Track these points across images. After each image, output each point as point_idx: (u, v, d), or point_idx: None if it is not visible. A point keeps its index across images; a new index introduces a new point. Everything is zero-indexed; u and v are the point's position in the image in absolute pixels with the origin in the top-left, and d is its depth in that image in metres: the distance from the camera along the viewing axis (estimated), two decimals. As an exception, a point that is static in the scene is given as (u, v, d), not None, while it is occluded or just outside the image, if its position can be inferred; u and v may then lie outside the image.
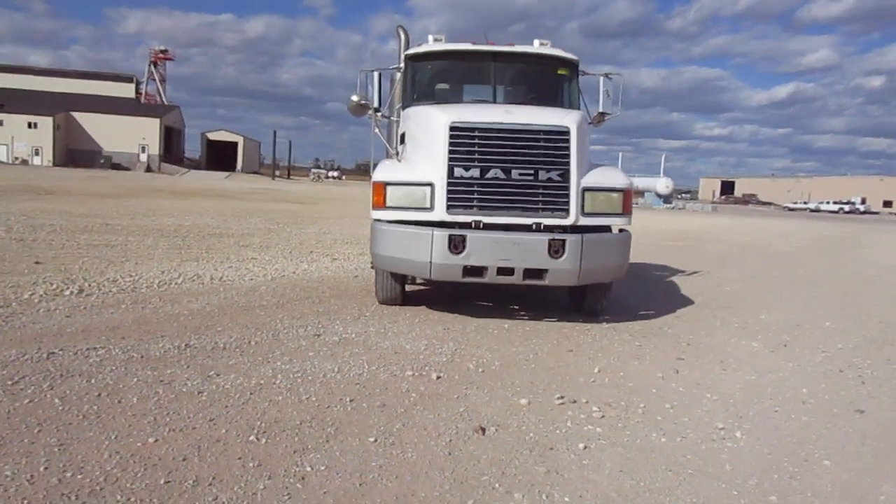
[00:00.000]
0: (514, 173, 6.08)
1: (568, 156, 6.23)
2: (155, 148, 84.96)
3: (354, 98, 7.12)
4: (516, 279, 6.29)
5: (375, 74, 7.49)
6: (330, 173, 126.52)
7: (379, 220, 6.50)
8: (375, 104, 7.43)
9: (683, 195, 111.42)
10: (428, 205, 6.13)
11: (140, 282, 8.26)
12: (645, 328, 7.09)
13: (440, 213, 6.17)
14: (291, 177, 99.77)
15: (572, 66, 8.08)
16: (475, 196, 6.13)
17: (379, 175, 6.31)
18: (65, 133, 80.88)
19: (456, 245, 6.13)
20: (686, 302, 9.13)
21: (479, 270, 6.26)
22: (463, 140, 5.90)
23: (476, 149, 5.92)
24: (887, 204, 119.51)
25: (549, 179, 6.20)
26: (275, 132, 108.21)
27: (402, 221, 6.34)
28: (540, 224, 6.29)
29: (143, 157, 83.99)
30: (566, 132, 6.23)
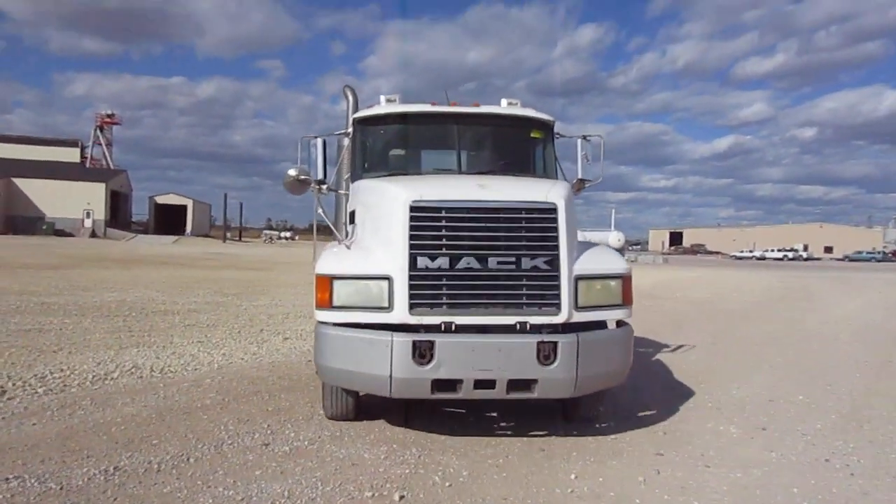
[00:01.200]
0: (492, 262, 5.01)
1: (556, 238, 5.16)
2: (100, 213, 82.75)
3: (292, 172, 5.98)
4: (498, 393, 5.09)
5: (318, 142, 6.54)
6: (282, 234, 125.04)
7: (324, 323, 5.26)
8: (319, 175, 6.42)
9: (634, 246, 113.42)
10: (385, 303, 5.01)
11: (71, 378, 7.56)
12: (616, 413, 6.71)
13: (401, 313, 5.01)
14: (243, 239, 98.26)
15: (547, 127, 7.16)
16: (444, 292, 5.01)
17: (323, 266, 5.17)
18: (5, 199, 78.26)
19: (422, 354, 4.93)
20: (653, 377, 8.81)
21: (451, 385, 5.06)
22: (427, 222, 4.92)
23: (444, 233, 4.93)
24: (828, 250, 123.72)
25: (535, 268, 5.11)
26: (225, 194, 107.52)
27: (354, 325, 5.16)
28: (525, 323, 5.11)
29: (88, 223, 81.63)
30: (553, 209, 5.19)
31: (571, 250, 5.27)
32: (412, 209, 4.91)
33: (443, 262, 4.95)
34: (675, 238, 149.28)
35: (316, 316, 5.31)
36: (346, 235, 6.40)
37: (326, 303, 5.15)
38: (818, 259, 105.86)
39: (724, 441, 6.01)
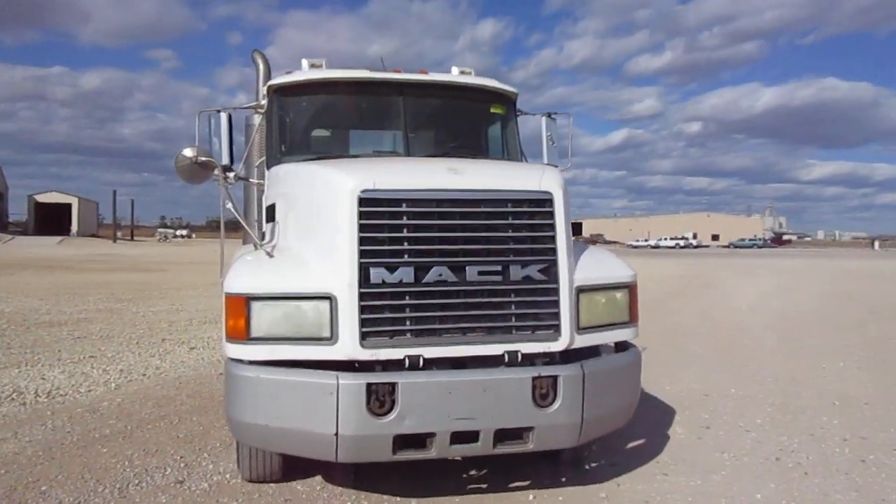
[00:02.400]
0: (471, 272, 3.79)
1: (553, 238, 3.97)
2: (-30, 213, 76.08)
3: (188, 153, 4.58)
4: (482, 448, 3.87)
5: (223, 117, 5.20)
6: (178, 233, 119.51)
7: (238, 362, 3.84)
8: (225, 159, 5.06)
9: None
10: (326, 333, 3.70)
11: (-64, 410, 6.48)
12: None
13: (349, 346, 3.69)
14: (135, 238, 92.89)
15: (509, 102, 5.96)
16: (408, 314, 3.76)
17: (236, 282, 3.80)
18: None
19: (380, 401, 3.66)
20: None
21: (420, 441, 3.80)
22: (383, 220, 3.72)
23: (406, 234, 3.74)
24: (715, 237, 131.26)
25: (527, 279, 3.90)
26: (114, 191, 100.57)
27: (282, 363, 3.78)
28: (516, 353, 3.91)
29: (-43, 224, 74.86)
30: (548, 200, 3.99)
31: (570, 254, 4.08)
32: (362, 202, 3.69)
33: (405, 273, 3.72)
34: (575, 229, 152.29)
35: (225, 351, 3.91)
36: (263, 238, 5.08)
37: (241, 333, 3.75)
38: (707, 246, 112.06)
39: (674, 443, 5.80)
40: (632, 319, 4.45)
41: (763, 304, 18.28)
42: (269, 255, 4.09)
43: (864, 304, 18.19)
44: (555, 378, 3.91)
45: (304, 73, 5.50)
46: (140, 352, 9.89)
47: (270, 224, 4.90)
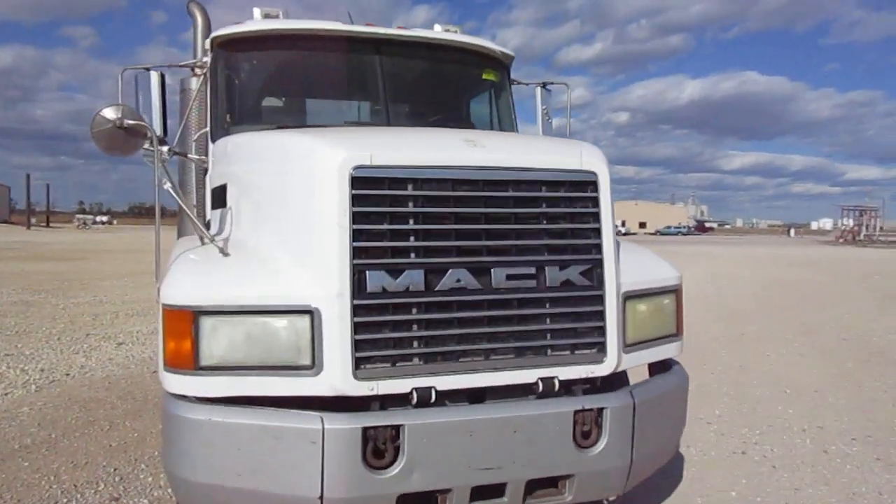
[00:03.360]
0: (498, 275, 2.94)
1: (598, 231, 3.13)
2: None
3: (109, 114, 3.36)
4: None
5: (154, 77, 4.36)
6: (98, 219, 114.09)
7: (181, 400, 2.87)
8: (158, 129, 4.19)
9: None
10: (306, 360, 2.79)
11: None
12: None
13: (338, 377, 2.77)
14: (51, 225, 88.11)
15: (503, 67, 5.15)
16: (417, 333, 2.86)
17: (178, 289, 2.88)
18: None
19: (379, 451, 2.80)
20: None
21: (431, 500, 2.96)
22: (383, 206, 2.83)
23: (413, 224, 2.85)
24: (642, 225, 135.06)
25: (567, 284, 3.06)
26: (28, 175, 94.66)
27: (243, 400, 2.84)
28: (552, 380, 3.07)
29: None
30: (592, 182, 3.14)
31: (616, 251, 3.25)
32: (356, 183, 2.78)
33: (413, 278, 2.83)
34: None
35: (164, 384, 2.91)
36: (209, 230, 3.82)
37: (186, 360, 2.78)
38: (635, 234, 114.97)
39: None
40: (678, 331, 3.72)
41: (698, 290, 18.64)
42: (223, 251, 3.12)
43: (793, 291, 18.80)
44: (600, 411, 3.09)
45: (258, 24, 4.55)
46: (62, 349, 9.13)
47: (218, 211, 3.97)
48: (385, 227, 2.82)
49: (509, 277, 2.96)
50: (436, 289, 2.86)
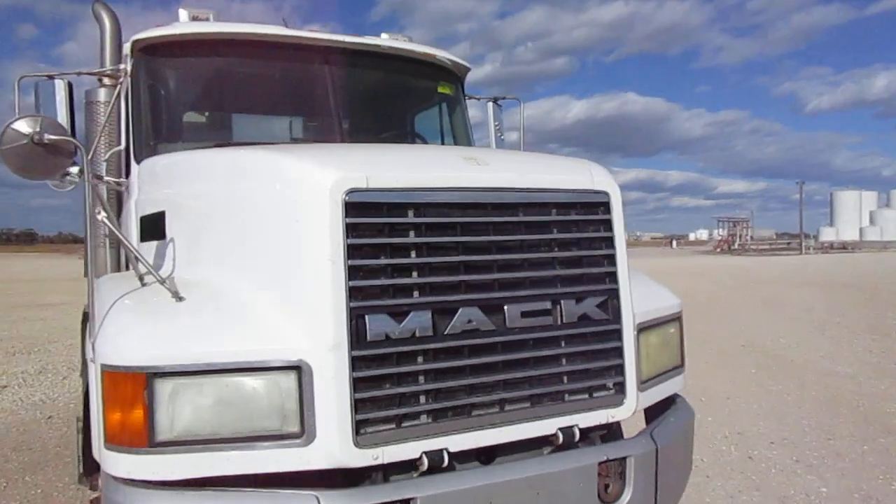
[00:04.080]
0: (513, 313, 2.57)
1: (612, 257, 2.84)
2: None
3: (24, 127, 2.73)
4: None
5: (59, 86, 3.80)
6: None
7: (129, 485, 2.27)
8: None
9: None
10: (293, 426, 2.30)
11: None
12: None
13: (335, 446, 2.30)
14: None
15: (457, 80, 4.88)
16: (425, 386, 2.45)
17: (124, 345, 2.32)
18: None
19: None
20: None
21: None
22: (382, 237, 2.41)
23: (416, 258, 2.44)
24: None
25: (585, 319, 2.73)
26: None
27: (215, 482, 2.28)
28: (572, 430, 2.71)
29: None
30: (604, 203, 2.85)
31: (629, 279, 2.93)
32: (351, 209, 2.33)
33: (420, 321, 2.41)
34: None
35: (106, 466, 2.34)
36: (137, 264, 3.16)
37: (137, 436, 2.24)
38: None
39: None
40: (682, 362, 3.46)
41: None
42: (176, 294, 2.51)
43: (686, 300, 19.70)
44: (623, 461, 2.75)
45: (190, 26, 4.04)
46: (-68, 397, 8.17)
47: (152, 244, 3.28)
48: (385, 261, 2.38)
49: (524, 314, 2.59)
50: (445, 332, 2.45)
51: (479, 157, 2.74)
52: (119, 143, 4.24)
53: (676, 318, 3.42)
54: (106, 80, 4.52)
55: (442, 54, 4.70)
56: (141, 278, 2.78)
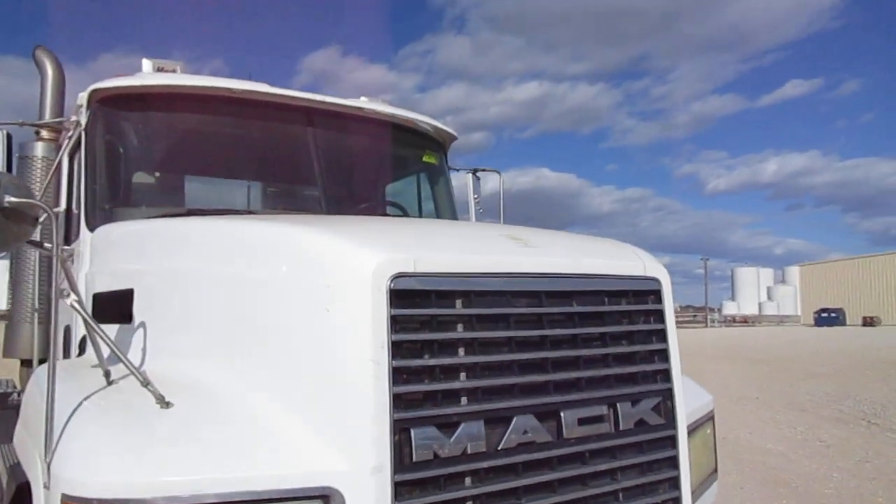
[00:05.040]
0: (570, 420, 2.17)
1: (665, 353, 2.51)
2: None
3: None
4: None
5: None
6: None
7: None
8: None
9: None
10: None
11: None
12: None
13: None
14: None
15: (442, 149, 4.59)
16: None
17: (98, 466, 1.78)
18: None
19: None
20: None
21: None
22: (429, 332, 1.99)
23: (464, 357, 2.02)
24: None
25: (641, 423, 2.38)
26: None
27: None
28: None
29: None
30: (656, 291, 2.54)
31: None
32: (395, 298, 1.92)
33: (472, 432, 1.99)
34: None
35: None
36: (81, 352, 2.99)
37: None
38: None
39: None
40: (716, 467, 3.13)
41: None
42: (160, 398, 2.00)
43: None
44: None
45: (163, 78, 3.62)
46: None
47: (113, 327, 2.64)
48: (435, 361, 1.95)
49: (581, 422, 2.22)
50: (499, 447, 2.04)
51: (524, 236, 2.41)
52: (57, 205, 3.73)
53: (711, 418, 3.15)
54: (45, 134, 4.03)
55: (430, 121, 4.43)
56: (107, 373, 2.23)
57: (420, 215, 4.49)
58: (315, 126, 3.78)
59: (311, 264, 2.07)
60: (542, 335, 2.18)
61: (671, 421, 2.48)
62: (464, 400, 2.01)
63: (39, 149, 4.05)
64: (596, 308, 2.33)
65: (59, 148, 4.09)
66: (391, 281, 1.91)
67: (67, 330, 3.37)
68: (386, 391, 1.85)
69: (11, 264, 4.29)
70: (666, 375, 2.51)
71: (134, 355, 2.47)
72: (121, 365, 2.17)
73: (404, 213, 4.44)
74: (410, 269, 1.96)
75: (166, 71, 3.77)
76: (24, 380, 4.27)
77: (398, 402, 1.87)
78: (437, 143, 4.59)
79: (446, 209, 4.57)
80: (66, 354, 3.32)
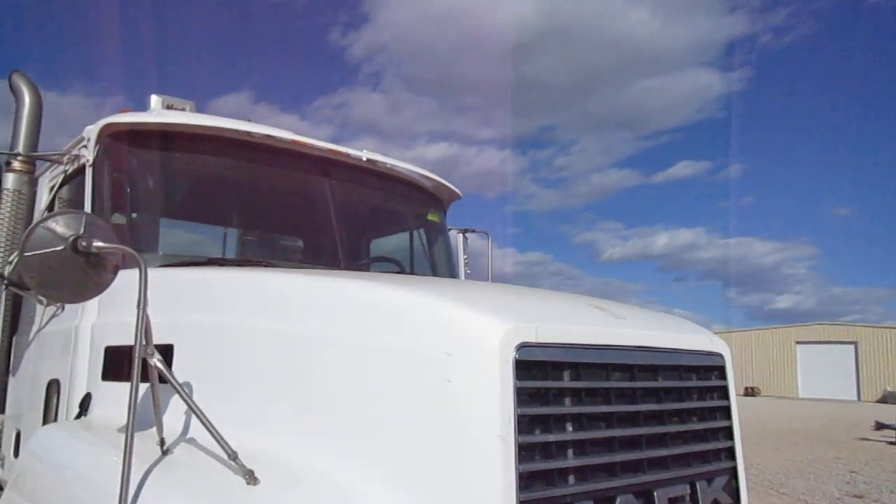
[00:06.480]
0: (661, 499, 2.09)
1: (731, 430, 2.50)
2: None
3: (61, 227, 1.92)
4: None
5: None
6: None
7: None
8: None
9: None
10: None
11: None
12: None
13: None
14: None
15: (441, 207, 4.61)
16: None
17: None
18: None
19: None
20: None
21: None
22: (549, 405, 1.91)
23: (571, 433, 1.94)
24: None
25: None
26: None
27: None
28: None
29: None
30: (720, 366, 2.54)
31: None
32: (521, 369, 1.83)
33: None
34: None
35: None
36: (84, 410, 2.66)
37: None
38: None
39: None
40: None
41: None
42: (249, 475, 1.82)
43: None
44: None
45: (183, 117, 3.43)
46: None
47: (140, 386, 2.07)
48: (553, 437, 1.87)
49: (670, 502, 2.15)
50: None
51: (606, 307, 2.37)
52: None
53: None
54: (16, 165, 3.69)
55: (441, 182, 4.44)
56: (161, 442, 1.99)
57: (412, 268, 4.40)
58: (331, 177, 3.68)
59: (429, 331, 1.93)
60: (636, 410, 2.14)
61: (737, 502, 2.45)
62: (570, 479, 1.92)
63: (11, 181, 3.70)
64: (679, 383, 2.32)
65: (32, 182, 3.79)
66: (517, 351, 1.82)
67: (53, 385, 3.01)
68: (513, 470, 1.74)
69: None
70: (731, 454, 2.49)
71: (175, 418, 2.17)
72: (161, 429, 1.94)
73: (402, 270, 4.33)
74: (532, 339, 1.87)
75: (176, 109, 3.59)
76: None
77: (525, 482, 1.76)
78: (439, 200, 4.60)
79: (444, 266, 4.52)
80: (52, 413, 2.96)
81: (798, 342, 48.45)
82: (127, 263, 2.03)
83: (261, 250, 4.04)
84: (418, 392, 1.88)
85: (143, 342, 1.83)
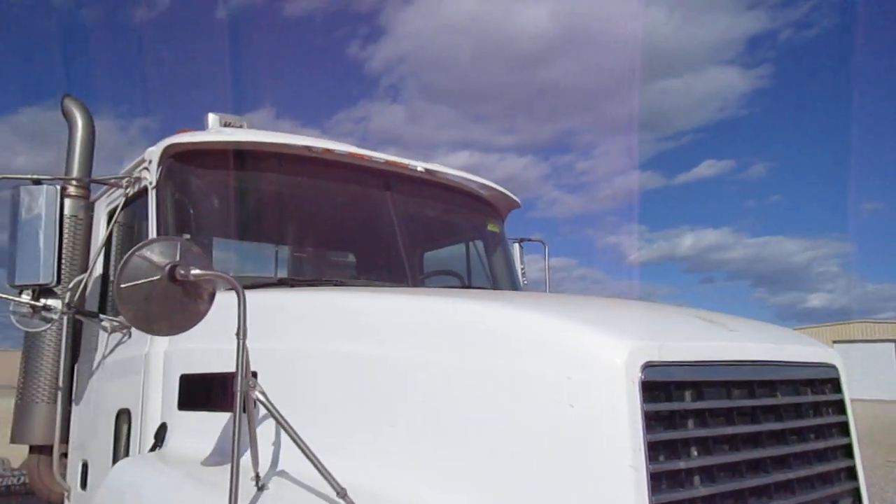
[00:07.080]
0: None
1: (850, 448, 2.34)
2: None
3: (157, 256, 1.85)
4: None
5: (45, 193, 3.07)
6: None
7: None
8: (51, 273, 2.97)
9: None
10: None
11: None
12: None
13: None
14: None
15: (500, 217, 4.52)
16: None
17: None
18: None
19: None
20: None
21: None
22: (676, 429, 1.77)
23: (700, 456, 1.80)
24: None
25: None
26: None
27: None
28: None
29: None
30: (835, 378, 2.38)
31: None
32: (648, 390, 1.71)
33: None
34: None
35: None
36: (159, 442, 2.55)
37: None
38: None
39: None
40: None
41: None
42: None
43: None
44: None
45: (248, 135, 3.37)
46: None
47: (221, 416, 2.29)
48: (682, 464, 1.74)
49: None
50: None
51: (717, 320, 2.21)
52: (87, 268, 3.36)
53: None
54: (72, 191, 3.65)
55: (503, 192, 4.34)
56: (257, 477, 1.89)
57: (469, 281, 4.25)
58: (392, 189, 3.59)
59: (544, 352, 1.79)
60: (759, 430, 1.99)
61: None
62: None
63: (68, 206, 3.62)
64: (798, 398, 2.16)
65: (89, 206, 3.76)
66: (642, 371, 1.69)
67: (124, 415, 2.92)
68: (646, 502, 1.60)
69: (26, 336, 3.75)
70: (852, 474, 2.32)
71: (264, 450, 2.04)
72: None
73: (463, 283, 4.20)
74: (657, 358, 1.74)
75: (234, 126, 3.54)
76: (39, 469, 3.69)
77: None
78: (497, 209, 4.49)
79: (505, 277, 4.38)
80: (122, 444, 2.88)
81: (835, 341, 47.71)
82: (220, 289, 1.91)
83: (314, 267, 3.94)
84: (535, 420, 1.74)
85: (243, 374, 1.71)
